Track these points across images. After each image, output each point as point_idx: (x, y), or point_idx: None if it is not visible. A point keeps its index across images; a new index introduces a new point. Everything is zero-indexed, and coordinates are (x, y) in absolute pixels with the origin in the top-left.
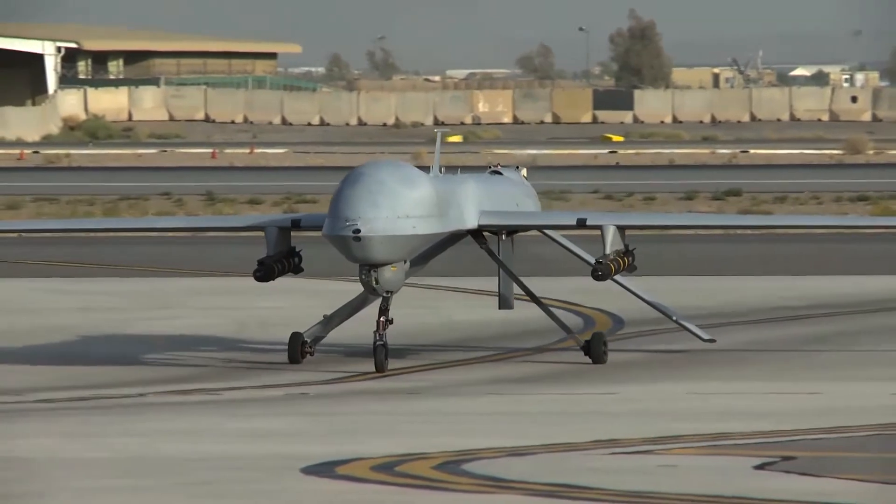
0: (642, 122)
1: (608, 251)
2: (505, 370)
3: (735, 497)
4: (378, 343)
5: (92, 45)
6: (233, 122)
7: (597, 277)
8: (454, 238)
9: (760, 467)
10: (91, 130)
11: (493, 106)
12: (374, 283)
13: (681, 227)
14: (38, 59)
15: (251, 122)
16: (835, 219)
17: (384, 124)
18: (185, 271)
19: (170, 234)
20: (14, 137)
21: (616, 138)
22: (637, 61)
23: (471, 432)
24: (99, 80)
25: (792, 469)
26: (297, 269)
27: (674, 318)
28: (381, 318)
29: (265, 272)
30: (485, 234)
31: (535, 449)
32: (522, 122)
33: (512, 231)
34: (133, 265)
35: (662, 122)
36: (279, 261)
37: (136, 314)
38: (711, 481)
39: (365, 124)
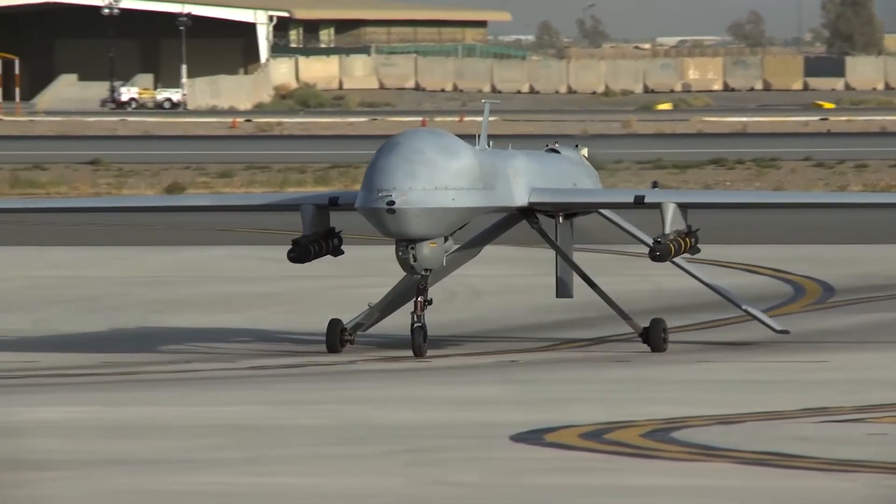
0: (854, 88)
1: (668, 230)
2: (713, 338)
3: None
4: (416, 325)
5: (303, 13)
6: (442, 90)
7: (655, 258)
8: (510, 220)
9: None
10: (302, 99)
11: (704, 73)
12: (411, 260)
13: (746, 206)
14: (250, 28)
15: (461, 91)
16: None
17: (593, 92)
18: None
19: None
20: (227, 106)
21: (827, 105)
22: (848, 27)
23: (679, 400)
24: (310, 49)
25: None
26: (336, 251)
27: (743, 306)
28: (420, 299)
29: (299, 253)
30: (539, 215)
31: (745, 417)
32: (733, 90)
33: (570, 213)
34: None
35: (874, 88)
36: (316, 241)
37: (346, 282)
38: None
39: (574, 92)
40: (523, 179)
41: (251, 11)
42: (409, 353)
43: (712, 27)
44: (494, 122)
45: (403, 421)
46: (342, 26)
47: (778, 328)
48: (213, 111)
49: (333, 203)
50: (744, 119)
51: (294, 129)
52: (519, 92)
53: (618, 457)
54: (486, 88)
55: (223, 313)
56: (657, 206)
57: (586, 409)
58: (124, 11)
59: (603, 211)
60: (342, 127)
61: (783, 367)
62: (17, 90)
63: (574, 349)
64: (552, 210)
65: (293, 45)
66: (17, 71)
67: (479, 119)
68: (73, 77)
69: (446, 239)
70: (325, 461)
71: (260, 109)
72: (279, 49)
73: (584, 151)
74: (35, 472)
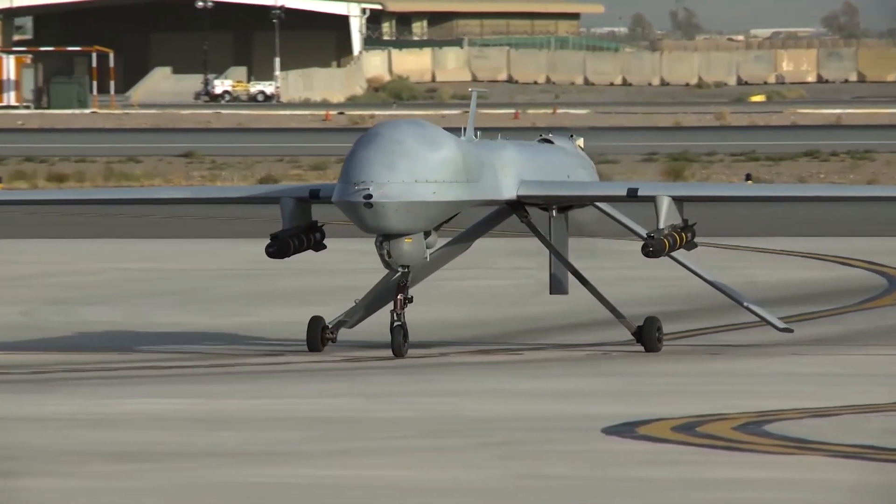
0: None
1: (662, 225)
2: (805, 331)
3: None
4: (395, 324)
5: (396, 6)
6: (535, 82)
7: (648, 254)
8: (501, 214)
9: None
10: (395, 91)
11: (797, 65)
12: (386, 256)
13: (742, 199)
14: (343, 20)
15: (553, 83)
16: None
17: (686, 84)
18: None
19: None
20: (320, 98)
21: None
22: None
23: (772, 393)
24: (403, 42)
25: None
26: (318, 246)
27: (744, 304)
28: (399, 297)
29: (279, 248)
30: (528, 207)
31: (838, 410)
32: (827, 81)
33: (564, 206)
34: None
35: None
36: (296, 236)
37: (442, 274)
38: None
39: (667, 84)
40: (512, 171)
41: (344, 4)
42: (502, 345)
43: (806, 19)
44: (586, 115)
45: (495, 413)
46: (435, 19)
47: (781, 326)
48: (306, 104)
49: (314, 196)
50: (838, 111)
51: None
52: (612, 84)
53: (710, 450)
54: (579, 81)
55: (317, 305)
56: (651, 199)
57: (678, 401)
58: (218, 4)
59: (598, 203)
60: (435, 120)
61: (877, 360)
62: (112, 83)
63: (665, 342)
64: (542, 203)
65: (386, 37)
66: (111, 64)
67: (572, 111)
68: (167, 70)
69: (428, 234)
70: (418, 454)
71: (353, 102)
72: (372, 42)
73: (580, 142)
74: (130, 463)
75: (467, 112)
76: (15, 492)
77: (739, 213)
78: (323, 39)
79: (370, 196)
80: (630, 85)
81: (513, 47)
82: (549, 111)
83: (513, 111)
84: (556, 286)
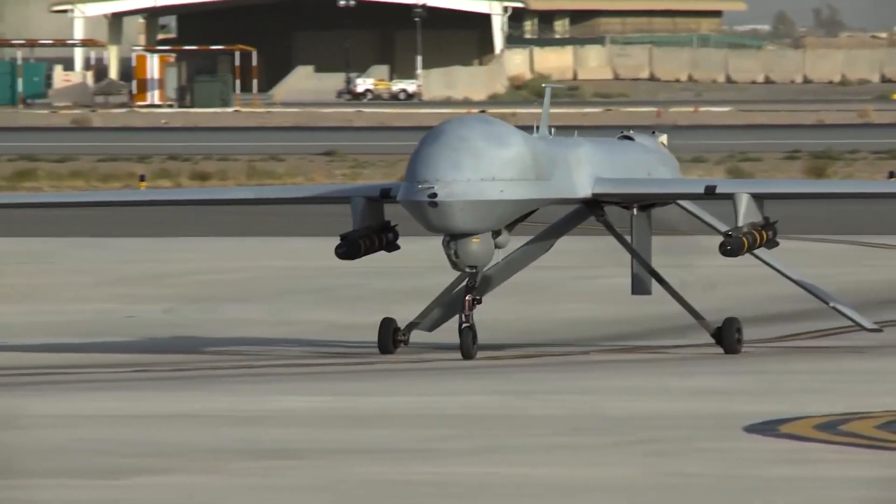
0: None
1: (741, 223)
2: None
3: None
4: (464, 325)
5: (538, 4)
6: (677, 80)
7: (725, 252)
8: (580, 213)
9: None
10: (536, 90)
11: None
12: (454, 256)
13: (826, 196)
14: (485, 18)
15: (695, 81)
16: None
17: (830, 82)
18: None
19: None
20: (461, 97)
21: None
22: None
23: None
24: (544, 40)
25: None
26: (391, 246)
27: (830, 303)
28: (468, 298)
29: (348, 248)
30: (607, 206)
31: None
32: None
33: (646, 205)
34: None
35: None
36: (367, 236)
37: (583, 272)
38: None
39: (810, 82)
40: (587, 169)
41: (486, 2)
42: (644, 343)
43: None
44: (728, 113)
45: (637, 411)
46: (576, 17)
47: (869, 326)
48: (447, 102)
49: (385, 195)
50: None
51: (528, 119)
52: (754, 82)
53: (853, 448)
54: (721, 79)
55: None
56: (730, 196)
57: (821, 399)
58: (360, 3)
59: (681, 201)
60: (576, 117)
61: None
62: (255, 82)
63: (808, 339)
64: (620, 201)
65: (528, 35)
66: (254, 63)
67: (714, 109)
68: (309, 68)
69: (498, 233)
70: (559, 451)
71: (494, 100)
72: (514, 40)
73: (663, 139)
74: (274, 461)
75: (609, 110)
76: (163, 488)
77: (881, 210)
78: (465, 38)
79: (435, 195)
80: (773, 83)
81: (655, 45)
82: (691, 109)
83: (654, 109)
84: (639, 286)
